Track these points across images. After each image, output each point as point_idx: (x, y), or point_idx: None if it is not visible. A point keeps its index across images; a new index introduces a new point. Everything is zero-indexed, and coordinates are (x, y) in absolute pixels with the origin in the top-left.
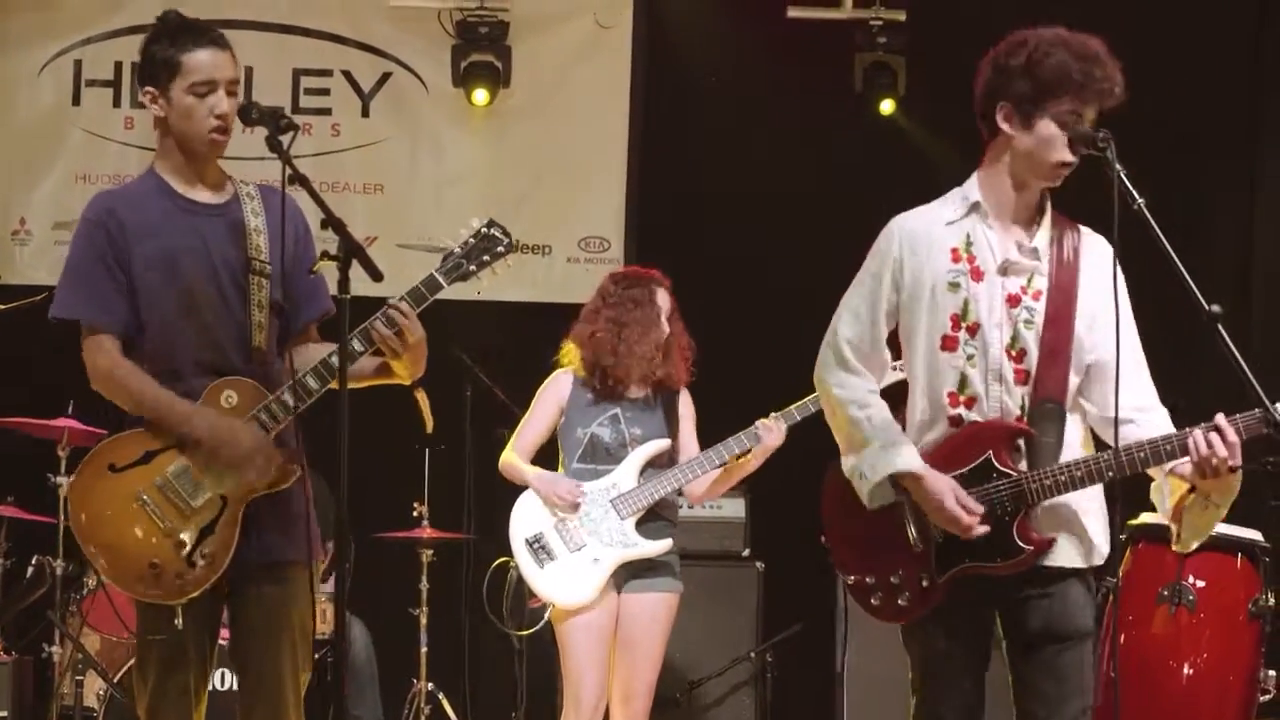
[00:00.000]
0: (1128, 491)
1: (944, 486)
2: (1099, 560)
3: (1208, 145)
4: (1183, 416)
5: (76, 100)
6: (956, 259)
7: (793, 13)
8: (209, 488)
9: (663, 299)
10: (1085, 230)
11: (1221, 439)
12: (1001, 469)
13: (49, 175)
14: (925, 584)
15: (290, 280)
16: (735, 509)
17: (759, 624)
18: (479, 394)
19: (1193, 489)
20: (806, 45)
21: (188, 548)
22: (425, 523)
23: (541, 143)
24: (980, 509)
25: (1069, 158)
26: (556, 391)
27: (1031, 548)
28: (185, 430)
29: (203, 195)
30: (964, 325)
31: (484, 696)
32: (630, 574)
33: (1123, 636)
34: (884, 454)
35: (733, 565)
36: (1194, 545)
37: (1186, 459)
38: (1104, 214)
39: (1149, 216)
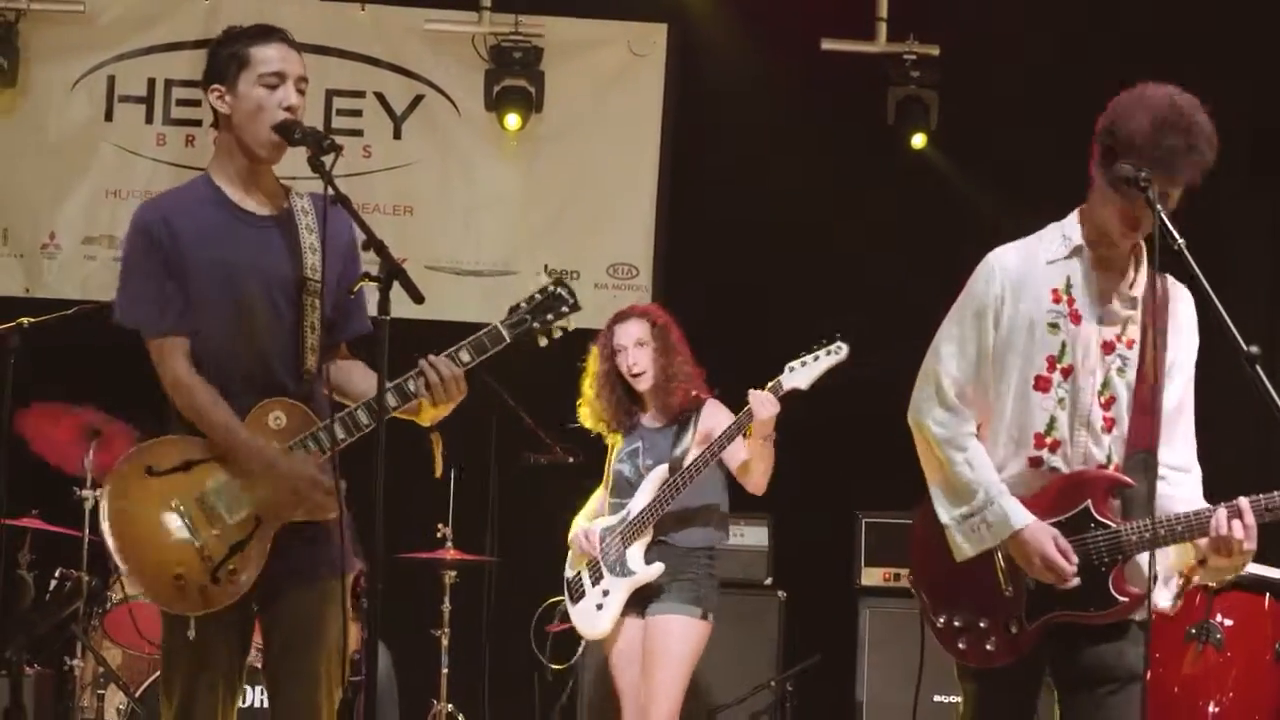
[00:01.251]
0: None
1: (1045, 537)
2: (1150, 609)
3: (1229, 187)
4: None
5: (109, 116)
6: (1057, 300)
7: (826, 45)
8: (246, 505)
9: (624, 333)
10: (1171, 279)
11: (1241, 521)
12: (1100, 519)
13: (80, 190)
14: (1014, 630)
15: (331, 297)
16: (758, 537)
17: (780, 652)
18: (505, 419)
19: (1202, 560)
20: (839, 78)
21: (215, 563)
22: (449, 544)
23: (572, 168)
24: (1075, 559)
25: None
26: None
27: (1126, 600)
28: (243, 462)
29: (258, 205)
30: (1059, 367)
31: (502, 719)
32: (651, 597)
33: (1149, 674)
34: (998, 510)
35: (755, 593)
36: (1175, 609)
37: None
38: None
39: (1189, 257)
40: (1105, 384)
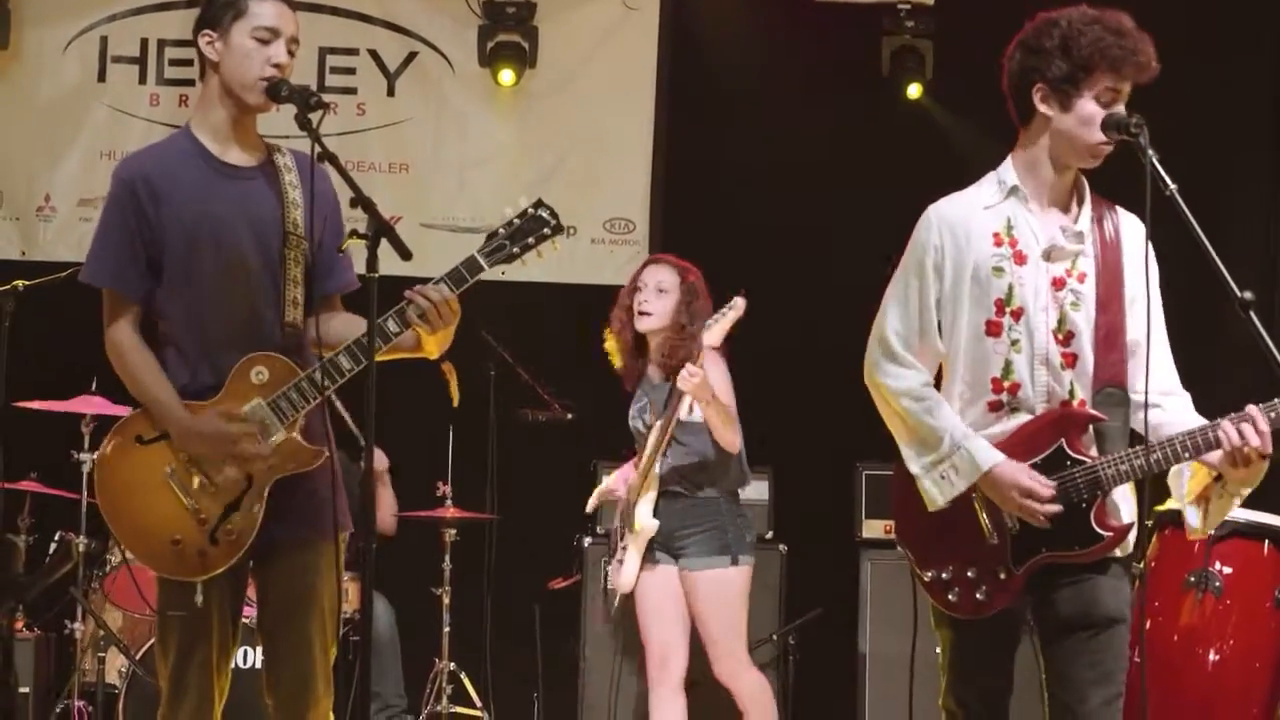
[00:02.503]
0: (1152, 478)
1: (1017, 469)
2: (1130, 548)
3: (1233, 136)
4: (1210, 403)
5: (102, 77)
6: (999, 243)
7: None
8: (235, 464)
9: (650, 275)
10: (1122, 211)
11: (1254, 428)
12: (1076, 456)
13: (74, 152)
14: (1003, 576)
15: (316, 252)
16: (759, 491)
17: (781, 606)
18: (503, 374)
19: (1218, 477)
20: (833, 28)
21: (211, 524)
22: (449, 502)
23: (567, 123)
24: (1051, 484)
25: (1104, 137)
26: None
27: (1110, 534)
28: (162, 420)
29: (239, 158)
30: (1009, 310)
31: (505, 676)
32: (680, 551)
33: (1148, 623)
34: (964, 454)
35: (756, 547)
36: (1210, 531)
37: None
38: (1135, 198)
39: (1180, 202)
40: (1061, 320)
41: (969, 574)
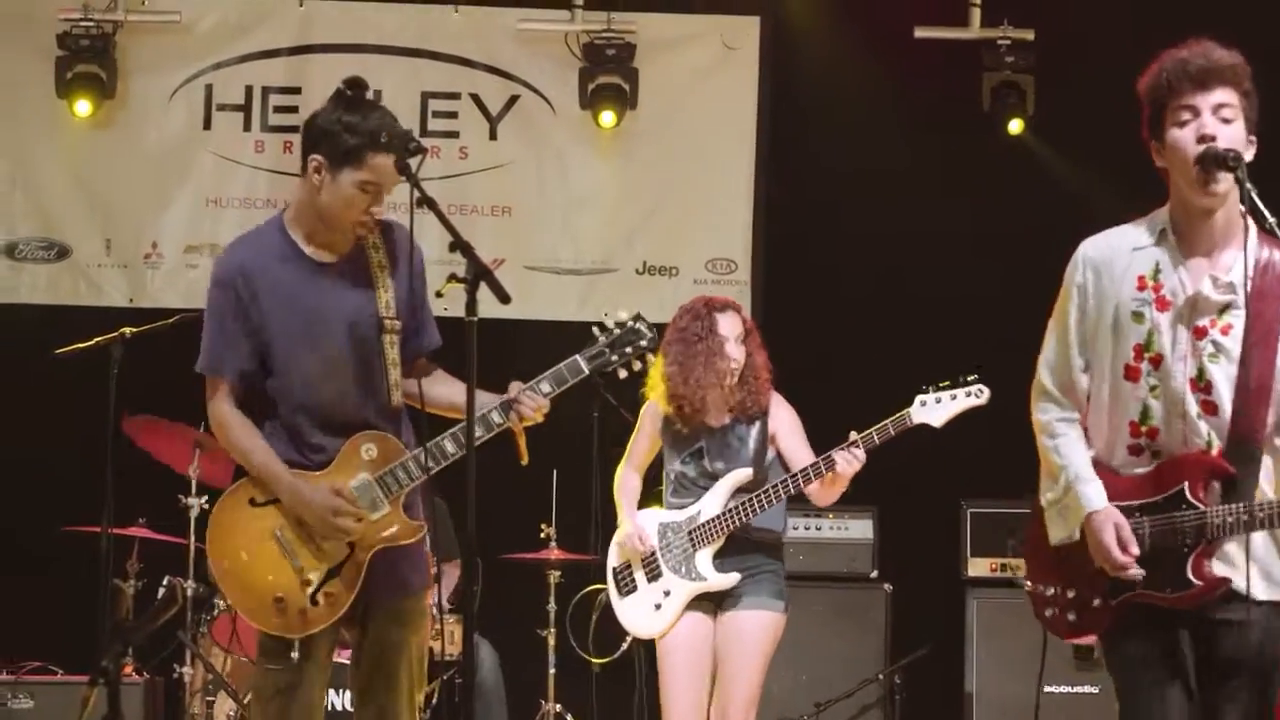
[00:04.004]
0: None
1: (1107, 524)
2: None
3: None
4: None
5: (208, 124)
6: (1142, 287)
7: (920, 33)
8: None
9: (727, 325)
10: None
11: None
12: (1192, 501)
13: (180, 199)
14: (1097, 604)
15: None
16: (863, 530)
17: (887, 645)
18: (606, 415)
19: None
20: (934, 65)
21: (313, 586)
22: (553, 544)
23: (668, 164)
24: (1135, 551)
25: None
26: (650, 415)
27: (1201, 584)
28: (273, 487)
29: (330, 254)
30: (1147, 356)
31: (610, 718)
32: (723, 597)
33: None
34: (1075, 496)
35: (861, 586)
36: None
37: None
38: None
39: None
40: (1200, 371)
41: (1069, 595)
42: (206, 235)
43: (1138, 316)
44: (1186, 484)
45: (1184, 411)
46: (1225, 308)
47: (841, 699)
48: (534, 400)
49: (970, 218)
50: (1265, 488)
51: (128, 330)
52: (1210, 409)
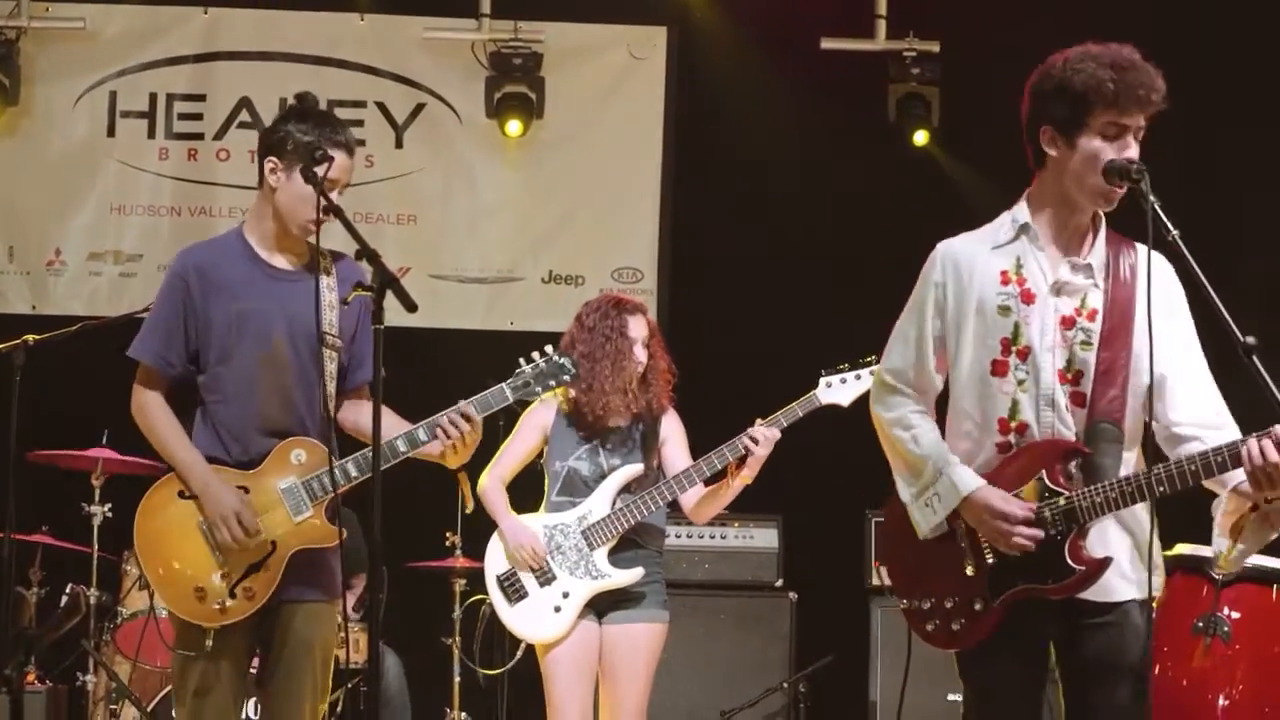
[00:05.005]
0: (1162, 523)
1: (993, 494)
2: (1156, 591)
3: (1241, 177)
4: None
5: (111, 132)
6: (1006, 281)
7: (826, 44)
8: (264, 531)
9: (636, 328)
10: (1141, 247)
11: (1276, 446)
12: (1054, 488)
13: (84, 207)
14: (979, 608)
15: (349, 348)
16: (768, 539)
17: (792, 654)
18: (512, 423)
19: (1255, 507)
20: (839, 76)
21: (234, 580)
22: (458, 552)
23: (575, 173)
24: (1029, 507)
25: (1104, 165)
26: (539, 420)
27: (1083, 568)
28: (188, 478)
29: (284, 262)
30: (1015, 349)
31: None
32: (611, 603)
33: (1157, 668)
34: (946, 481)
35: (766, 595)
36: (1241, 565)
37: (1242, 473)
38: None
39: (1183, 247)
40: (1070, 360)
41: (947, 605)
42: (110, 242)
43: (1004, 310)
44: (1044, 471)
45: (1053, 401)
46: (1086, 292)
47: (746, 707)
48: (460, 422)
49: (875, 228)
50: (1132, 467)
51: (30, 337)
52: (1079, 400)
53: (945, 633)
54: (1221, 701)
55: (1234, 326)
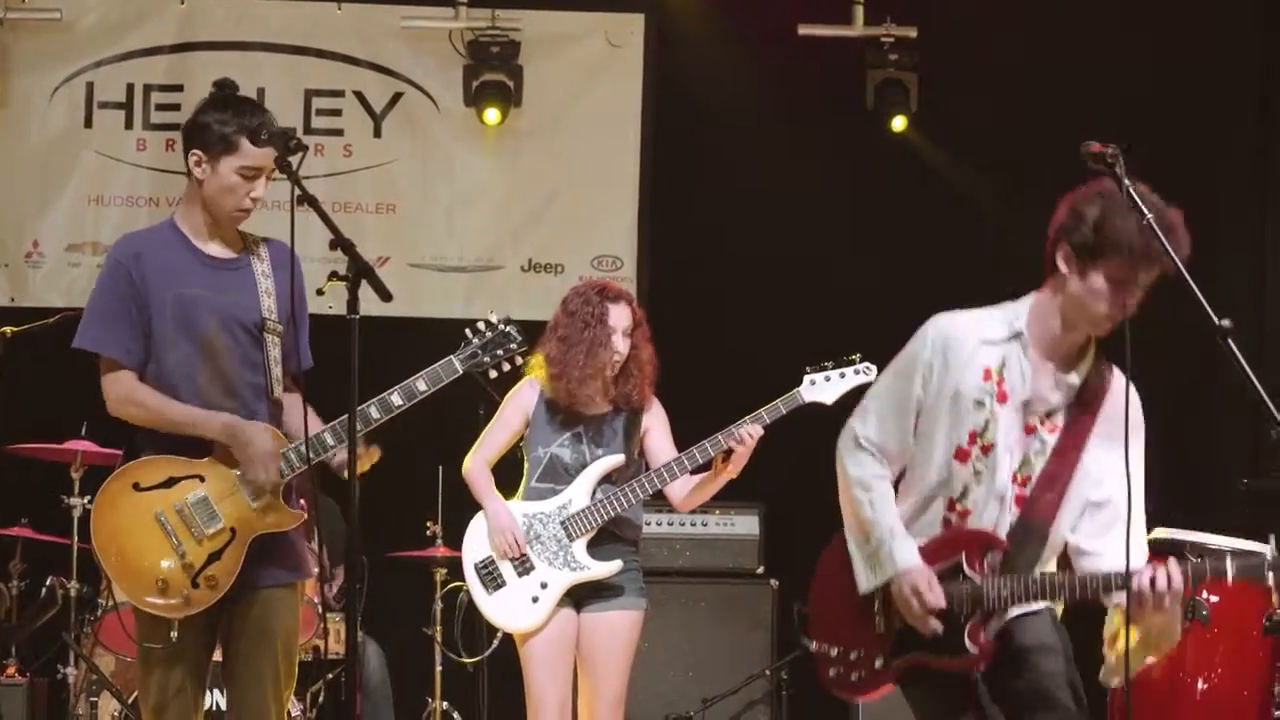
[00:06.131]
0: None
1: (920, 578)
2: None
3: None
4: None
5: (89, 123)
6: (987, 378)
7: (804, 30)
8: (222, 518)
9: (618, 316)
10: (1119, 373)
11: (1167, 580)
12: (969, 573)
13: (62, 198)
14: (879, 665)
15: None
16: (749, 526)
17: (774, 641)
18: (492, 412)
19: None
20: (817, 62)
21: (195, 569)
22: (439, 541)
23: (553, 161)
24: (941, 603)
25: (1108, 311)
26: (521, 402)
27: (977, 651)
28: (205, 430)
29: (217, 250)
30: (980, 443)
31: (498, 716)
32: (589, 592)
33: None
34: (888, 551)
35: (747, 582)
36: (1115, 681)
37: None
38: None
39: (1158, 230)
40: (1023, 463)
41: (851, 656)
42: (89, 234)
43: (979, 404)
44: (964, 555)
45: (1002, 497)
46: (1057, 411)
47: (728, 695)
48: (341, 451)
49: (854, 214)
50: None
51: (8, 329)
52: (1021, 501)
53: (844, 682)
54: (1201, 685)
55: (1210, 310)
